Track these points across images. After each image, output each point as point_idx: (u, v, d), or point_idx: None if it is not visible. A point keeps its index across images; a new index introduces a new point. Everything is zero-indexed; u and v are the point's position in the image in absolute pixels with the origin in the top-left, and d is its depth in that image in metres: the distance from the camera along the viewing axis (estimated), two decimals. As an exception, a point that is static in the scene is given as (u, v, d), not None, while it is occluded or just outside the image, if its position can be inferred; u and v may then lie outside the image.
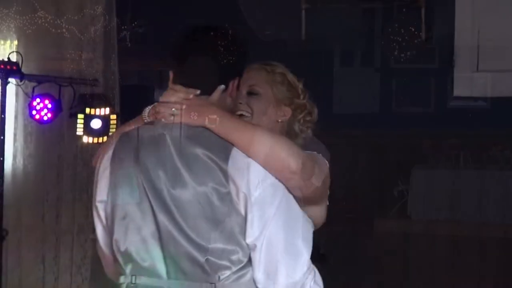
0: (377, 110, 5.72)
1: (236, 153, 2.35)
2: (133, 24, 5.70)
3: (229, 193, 2.33)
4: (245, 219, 2.35)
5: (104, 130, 5.32)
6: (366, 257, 5.26)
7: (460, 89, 5.31)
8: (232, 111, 2.54)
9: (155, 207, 2.37)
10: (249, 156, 2.35)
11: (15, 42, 5.62)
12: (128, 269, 2.43)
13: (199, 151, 2.34)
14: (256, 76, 2.76)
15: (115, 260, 2.47)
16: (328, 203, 2.68)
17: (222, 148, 2.35)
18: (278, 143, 2.39)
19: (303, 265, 2.37)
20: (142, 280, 2.41)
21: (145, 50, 5.67)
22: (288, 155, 2.37)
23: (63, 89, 5.40)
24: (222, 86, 2.45)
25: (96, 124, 5.29)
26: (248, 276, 2.38)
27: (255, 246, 2.35)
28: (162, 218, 2.36)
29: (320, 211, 2.65)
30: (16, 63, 5.17)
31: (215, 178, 2.33)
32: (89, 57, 5.52)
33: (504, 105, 5.33)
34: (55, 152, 5.63)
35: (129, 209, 2.41)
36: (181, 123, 2.41)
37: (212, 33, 2.47)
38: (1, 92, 5.10)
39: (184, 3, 5.65)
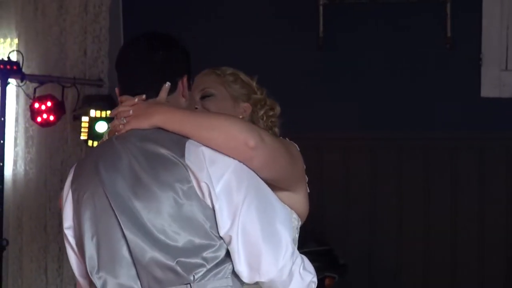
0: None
1: (190, 145, 2.32)
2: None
3: (192, 187, 2.28)
4: (214, 211, 2.29)
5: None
6: None
7: (488, 89, 5.11)
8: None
9: (121, 220, 2.33)
10: (205, 144, 2.32)
11: (16, 41, 5.54)
12: None
13: (157, 149, 2.33)
14: (207, 80, 2.78)
15: (91, 284, 2.39)
16: (308, 191, 2.61)
17: (177, 143, 2.33)
18: (228, 121, 2.36)
19: (286, 248, 2.29)
20: None
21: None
22: (242, 131, 2.32)
23: (66, 90, 5.30)
24: (167, 84, 2.43)
25: (101, 127, 5.16)
26: (227, 271, 2.30)
27: (230, 237, 2.28)
28: (129, 229, 2.32)
29: (300, 200, 2.58)
30: (16, 63, 5.08)
31: (177, 174, 2.29)
32: (93, 56, 5.39)
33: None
34: (58, 157, 5.51)
35: (96, 228, 2.38)
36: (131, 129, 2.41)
37: (143, 39, 2.50)
38: (1, 93, 5.02)
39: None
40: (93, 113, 5.17)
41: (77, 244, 2.45)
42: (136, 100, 2.40)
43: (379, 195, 5.23)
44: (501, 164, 5.12)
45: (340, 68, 5.24)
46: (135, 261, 2.32)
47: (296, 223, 2.61)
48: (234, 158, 2.31)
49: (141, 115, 2.38)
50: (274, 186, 2.44)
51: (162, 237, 2.29)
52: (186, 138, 2.33)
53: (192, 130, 2.33)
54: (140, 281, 2.32)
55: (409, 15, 5.18)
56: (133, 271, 2.33)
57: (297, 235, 2.63)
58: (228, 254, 2.29)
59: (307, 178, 2.60)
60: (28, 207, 5.54)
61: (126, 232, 2.31)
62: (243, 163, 2.32)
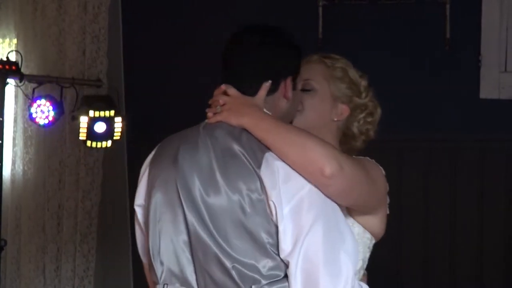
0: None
1: (269, 157, 2.24)
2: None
3: (262, 201, 2.22)
4: (277, 229, 2.22)
5: (108, 133, 5.16)
6: None
7: (487, 91, 5.10)
8: (289, 113, 2.46)
9: (186, 211, 2.30)
10: (282, 159, 2.24)
11: (14, 41, 5.50)
12: (160, 276, 2.38)
13: (237, 151, 2.27)
14: (313, 70, 2.61)
15: (151, 267, 2.42)
16: (388, 212, 2.52)
17: (257, 151, 2.26)
18: (312, 142, 2.24)
19: (346, 282, 2.19)
20: None
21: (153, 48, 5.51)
22: (321, 157, 2.20)
23: (65, 91, 5.25)
24: (268, 83, 2.36)
25: (100, 127, 5.13)
26: None
27: (288, 262, 2.21)
28: (192, 221, 2.28)
29: (377, 222, 2.50)
30: (15, 63, 5.03)
31: (250, 182, 2.23)
32: (92, 57, 5.35)
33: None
34: (57, 157, 5.46)
35: (163, 212, 2.36)
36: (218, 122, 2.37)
37: (257, 31, 2.42)
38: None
39: None
40: (91, 113, 5.12)
41: (144, 223, 2.46)
42: (234, 94, 2.37)
43: (378, 196, 5.21)
44: (500, 164, 5.11)
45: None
46: (194, 257, 2.30)
47: (369, 242, 2.53)
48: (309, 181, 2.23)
49: (234, 111, 2.33)
50: (349, 208, 2.39)
51: (221, 240, 2.25)
52: (267, 148, 2.26)
53: (274, 142, 2.25)
54: (196, 278, 2.30)
55: (408, 16, 5.17)
56: (191, 267, 2.31)
57: (368, 254, 2.56)
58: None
59: (388, 200, 2.53)
60: (27, 207, 5.51)
61: (189, 223, 2.29)
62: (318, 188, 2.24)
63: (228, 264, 2.22)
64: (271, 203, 2.20)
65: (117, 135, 5.20)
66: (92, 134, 5.13)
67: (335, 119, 2.61)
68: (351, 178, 2.25)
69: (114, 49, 5.38)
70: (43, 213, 5.49)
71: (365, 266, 2.56)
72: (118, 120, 5.19)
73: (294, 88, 2.44)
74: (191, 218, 2.28)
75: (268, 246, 2.22)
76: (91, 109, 5.13)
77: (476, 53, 5.10)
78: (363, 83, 2.67)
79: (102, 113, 5.13)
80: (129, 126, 5.36)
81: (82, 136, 5.15)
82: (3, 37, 5.54)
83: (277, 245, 2.21)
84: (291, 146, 2.22)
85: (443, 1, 5.06)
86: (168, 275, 2.34)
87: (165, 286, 2.35)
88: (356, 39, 5.23)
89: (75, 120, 5.22)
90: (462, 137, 5.12)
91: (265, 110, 2.38)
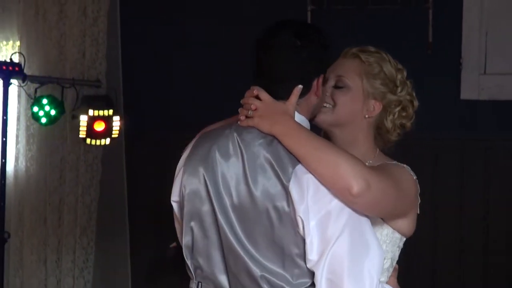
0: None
1: (298, 170, 2.19)
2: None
3: (289, 214, 2.18)
4: (304, 242, 2.19)
5: (107, 132, 5.21)
6: None
7: (467, 92, 5.16)
8: (316, 108, 2.40)
9: (217, 213, 2.26)
10: (313, 174, 2.18)
11: (18, 43, 5.54)
12: (194, 274, 2.37)
13: (268, 161, 2.21)
14: (346, 66, 2.55)
15: (186, 263, 2.40)
16: (418, 212, 2.49)
17: (287, 163, 2.20)
18: (340, 158, 2.17)
19: None
20: None
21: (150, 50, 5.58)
22: (349, 174, 2.14)
23: (65, 91, 5.31)
24: (300, 87, 2.28)
25: (99, 126, 5.18)
26: None
27: (314, 272, 2.20)
28: (223, 225, 2.25)
29: (405, 223, 2.48)
30: (18, 64, 5.06)
31: (278, 194, 2.19)
32: (92, 58, 5.40)
33: None
34: (58, 154, 5.53)
35: (195, 213, 2.32)
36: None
37: (290, 32, 2.30)
38: (3, 93, 4.98)
39: (192, 2, 5.52)
40: (91, 112, 5.15)
41: (180, 219, 2.41)
42: (264, 96, 2.27)
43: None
44: (479, 163, 5.11)
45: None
46: (226, 262, 2.27)
47: (398, 241, 2.51)
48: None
49: (265, 118, 2.25)
50: None
51: (250, 247, 2.22)
52: (297, 160, 2.19)
53: (304, 155, 2.18)
54: (229, 283, 2.28)
55: (393, 21, 5.20)
56: (224, 271, 2.29)
57: (398, 252, 2.54)
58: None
59: (419, 200, 2.47)
60: (29, 202, 5.56)
61: (220, 226, 2.24)
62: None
63: (257, 272, 2.20)
64: (298, 218, 2.16)
65: (115, 133, 5.25)
66: (91, 132, 5.16)
67: (366, 116, 2.53)
68: (377, 194, 2.19)
69: (112, 51, 5.43)
70: (44, 208, 5.56)
71: (394, 263, 2.56)
72: (116, 119, 5.24)
73: (323, 84, 2.35)
74: (221, 220, 2.24)
75: (295, 257, 2.20)
76: (91, 109, 5.17)
77: (457, 57, 5.14)
78: (400, 77, 2.57)
79: (101, 112, 5.17)
80: (126, 124, 5.42)
81: (82, 134, 5.19)
82: (7, 40, 5.59)
83: (304, 255, 2.19)
84: (320, 163, 2.15)
85: (426, 6, 5.11)
86: (201, 275, 2.32)
87: (200, 284, 2.34)
88: (343, 43, 5.25)
89: (75, 119, 5.27)
90: (443, 136, 5.15)
91: (297, 113, 2.31)
